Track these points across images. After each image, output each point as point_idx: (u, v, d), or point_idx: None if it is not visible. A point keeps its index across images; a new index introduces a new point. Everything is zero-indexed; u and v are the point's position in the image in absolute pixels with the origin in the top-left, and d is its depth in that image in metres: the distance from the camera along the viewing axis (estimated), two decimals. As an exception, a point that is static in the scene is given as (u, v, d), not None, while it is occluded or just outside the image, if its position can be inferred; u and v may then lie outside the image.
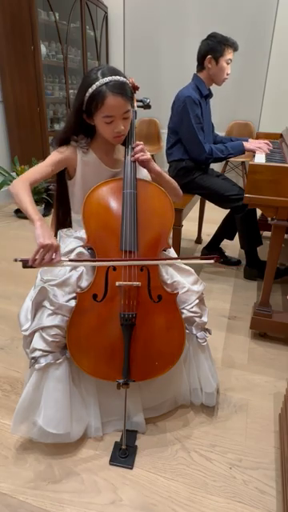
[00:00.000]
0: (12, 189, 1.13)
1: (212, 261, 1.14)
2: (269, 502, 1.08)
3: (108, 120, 1.12)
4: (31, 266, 1.02)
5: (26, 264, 1.03)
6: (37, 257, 1.01)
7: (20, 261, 1.03)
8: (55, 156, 1.20)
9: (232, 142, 2.25)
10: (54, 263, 1.03)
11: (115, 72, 1.11)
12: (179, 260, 1.27)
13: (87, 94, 1.10)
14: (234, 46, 2.03)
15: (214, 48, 2.01)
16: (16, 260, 1.04)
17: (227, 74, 2.10)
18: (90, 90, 1.09)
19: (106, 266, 1.12)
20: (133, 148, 1.22)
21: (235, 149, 2.14)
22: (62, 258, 1.06)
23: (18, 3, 3.03)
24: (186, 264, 1.29)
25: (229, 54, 2.03)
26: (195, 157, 2.14)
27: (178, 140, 2.18)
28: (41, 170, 1.17)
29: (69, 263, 1.10)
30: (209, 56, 2.04)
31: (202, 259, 1.21)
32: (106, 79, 1.08)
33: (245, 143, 2.13)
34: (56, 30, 3.45)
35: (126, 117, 1.15)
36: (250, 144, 2.11)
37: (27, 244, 2.74)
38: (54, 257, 1.02)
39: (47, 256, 1.01)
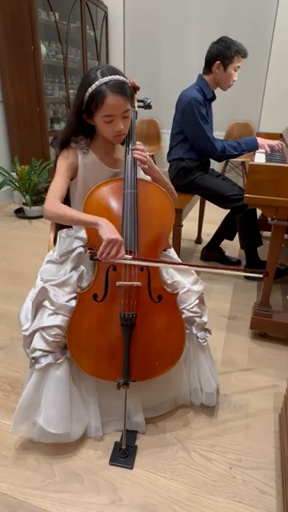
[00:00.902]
0: (51, 214, 1.12)
1: (261, 275, 1.16)
2: (269, 501, 1.08)
3: (108, 119, 1.13)
4: (97, 260, 1.06)
5: (93, 257, 1.09)
6: (105, 251, 1.03)
7: (89, 252, 1.12)
8: (64, 164, 1.20)
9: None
10: (118, 258, 1.05)
11: (115, 71, 1.11)
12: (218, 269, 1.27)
13: (87, 94, 1.11)
14: (243, 53, 2.03)
15: (224, 54, 1.99)
16: (85, 251, 1.15)
17: (233, 81, 2.09)
18: (90, 90, 1.09)
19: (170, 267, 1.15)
20: (132, 150, 1.22)
21: (249, 145, 2.11)
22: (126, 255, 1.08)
23: (18, 3, 3.03)
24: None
25: (238, 62, 2.03)
26: (207, 155, 2.14)
27: (183, 140, 2.18)
28: (60, 183, 1.18)
29: (131, 262, 1.09)
30: (218, 61, 2.02)
31: (248, 272, 1.25)
32: (106, 78, 1.08)
33: (258, 139, 2.11)
34: (56, 30, 3.45)
35: (125, 116, 1.15)
36: (263, 140, 2.10)
37: (27, 244, 2.76)
38: (120, 252, 1.04)
39: (113, 250, 1.03)
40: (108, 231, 1.04)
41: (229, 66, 2.02)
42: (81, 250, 1.19)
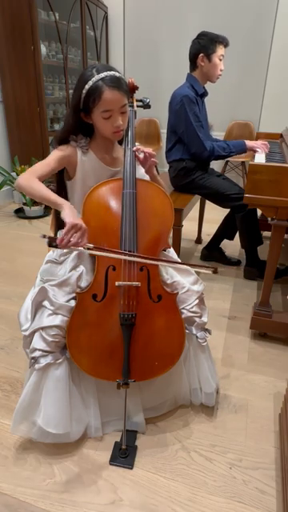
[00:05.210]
0: (22, 182, 1.11)
1: (210, 271, 1.15)
2: (269, 501, 1.07)
3: (106, 115, 1.13)
4: (56, 246, 0.99)
5: (52, 243, 0.99)
6: (65, 237, 0.99)
7: (48, 238, 0.99)
8: (57, 153, 1.20)
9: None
10: (79, 246, 1.01)
11: (109, 68, 1.13)
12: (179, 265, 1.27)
13: (84, 91, 1.11)
14: (224, 42, 2.05)
15: (205, 46, 2.03)
16: (45, 236, 1.00)
17: (221, 70, 2.11)
18: (87, 87, 1.10)
19: (123, 259, 1.11)
20: (134, 151, 1.22)
21: (237, 147, 2.14)
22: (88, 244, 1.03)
23: (18, 3, 3.03)
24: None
25: (220, 50, 2.05)
26: (196, 155, 2.14)
27: (178, 140, 2.18)
28: (44, 166, 1.17)
29: (93, 252, 1.06)
30: (201, 54, 2.05)
31: (200, 267, 1.23)
32: (102, 75, 1.09)
33: (246, 141, 2.13)
34: (56, 30, 3.46)
35: (123, 111, 1.16)
36: (251, 142, 2.12)
37: (27, 244, 2.76)
38: (82, 239, 1.01)
39: (75, 237, 1.00)
40: (72, 215, 1.02)
41: (212, 55, 2.04)
42: (80, 249, 1.18)
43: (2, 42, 3.20)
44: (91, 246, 1.05)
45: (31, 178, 1.12)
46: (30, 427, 1.17)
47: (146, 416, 1.28)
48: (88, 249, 1.06)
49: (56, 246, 0.99)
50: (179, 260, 1.34)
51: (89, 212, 1.16)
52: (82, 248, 1.03)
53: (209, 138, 2.30)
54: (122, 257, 1.08)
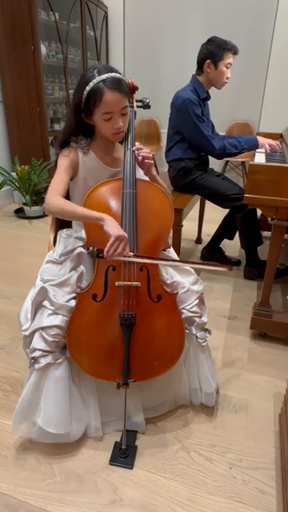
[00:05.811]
0: (52, 208, 1.12)
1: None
2: (269, 501, 1.07)
3: (107, 117, 1.13)
4: (102, 257, 1.05)
5: (99, 254, 1.09)
6: (111, 248, 1.02)
7: (96, 250, 1.11)
8: (64, 162, 1.20)
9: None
10: (123, 255, 1.04)
11: (111, 69, 1.13)
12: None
13: (85, 93, 1.11)
14: (233, 50, 2.02)
15: (213, 52, 2.00)
16: (93, 249, 1.13)
17: (227, 78, 2.08)
18: (88, 88, 1.10)
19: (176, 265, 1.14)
20: (133, 151, 1.22)
21: (249, 143, 2.11)
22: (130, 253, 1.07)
23: (18, 3, 3.03)
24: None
25: (228, 58, 2.02)
26: (208, 154, 2.15)
27: (180, 140, 2.18)
28: (61, 179, 1.18)
29: (134, 259, 1.08)
30: (208, 60, 2.03)
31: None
32: (103, 76, 1.09)
33: (259, 137, 2.11)
34: (56, 30, 3.45)
35: (124, 112, 1.16)
36: (263, 139, 2.10)
37: (27, 244, 2.76)
38: (125, 249, 1.04)
39: (120, 247, 1.02)
40: (115, 226, 1.04)
41: (219, 63, 2.02)
42: (80, 249, 1.18)
43: (2, 42, 3.20)
44: (131, 254, 1.07)
45: (59, 200, 1.12)
46: (30, 427, 1.17)
47: (146, 416, 1.28)
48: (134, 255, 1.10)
49: (102, 257, 1.05)
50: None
51: (88, 212, 1.16)
52: (126, 257, 1.06)
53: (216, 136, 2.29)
54: (122, 258, 1.08)
